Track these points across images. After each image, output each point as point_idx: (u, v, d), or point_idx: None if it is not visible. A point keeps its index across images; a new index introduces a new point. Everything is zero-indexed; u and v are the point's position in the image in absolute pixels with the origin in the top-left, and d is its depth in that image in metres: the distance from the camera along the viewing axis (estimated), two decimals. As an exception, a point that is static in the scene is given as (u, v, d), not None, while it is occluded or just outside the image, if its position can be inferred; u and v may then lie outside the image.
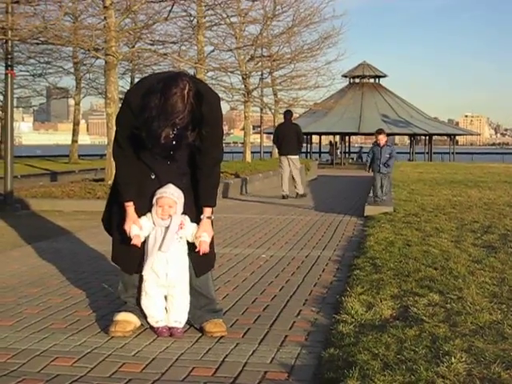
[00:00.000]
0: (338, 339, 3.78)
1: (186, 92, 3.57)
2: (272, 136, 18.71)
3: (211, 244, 4.06)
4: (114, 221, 4.08)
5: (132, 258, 3.99)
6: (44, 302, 4.81)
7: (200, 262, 4.02)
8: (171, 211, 3.88)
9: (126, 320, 4.02)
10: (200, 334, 4.01)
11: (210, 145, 3.89)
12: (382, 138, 11.43)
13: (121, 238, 4.00)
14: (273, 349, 3.75)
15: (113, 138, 4.11)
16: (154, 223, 3.92)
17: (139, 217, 3.94)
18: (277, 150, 15.71)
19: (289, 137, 14.78)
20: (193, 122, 3.62)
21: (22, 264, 6.34)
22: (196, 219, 4.00)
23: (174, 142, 3.63)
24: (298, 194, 14.92)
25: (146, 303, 3.97)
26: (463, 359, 3.35)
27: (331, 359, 3.46)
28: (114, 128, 4.15)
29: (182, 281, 3.95)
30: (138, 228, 3.91)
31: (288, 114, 15.50)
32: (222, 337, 3.96)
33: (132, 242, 3.90)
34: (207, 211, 4.01)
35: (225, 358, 3.60)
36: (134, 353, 3.67)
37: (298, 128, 15.13)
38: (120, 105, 4.06)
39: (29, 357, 3.57)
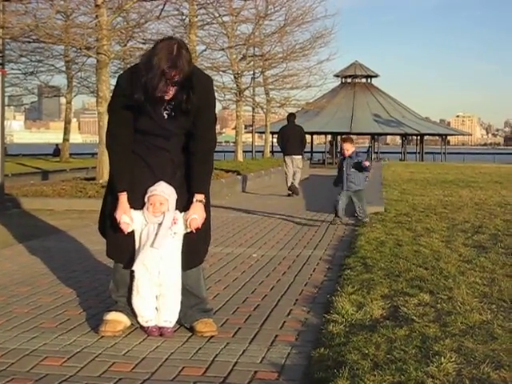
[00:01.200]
0: (329, 339, 3.78)
1: (176, 47, 3.63)
2: (263, 134, 18.74)
3: (203, 235, 4.03)
4: (108, 218, 4.05)
5: (126, 249, 3.95)
6: (34, 301, 4.79)
7: (187, 256, 3.98)
8: (163, 208, 3.87)
9: (116, 319, 4.00)
10: (190, 334, 4.00)
11: (202, 129, 3.91)
12: (348, 148, 9.43)
13: (114, 231, 3.97)
14: (263, 348, 3.74)
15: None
16: (146, 220, 3.91)
17: (131, 208, 3.93)
18: (281, 151, 16.05)
19: (293, 138, 15.39)
20: (185, 82, 3.66)
21: (13, 263, 6.31)
22: (187, 208, 3.96)
23: (166, 98, 3.69)
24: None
25: (137, 303, 3.95)
26: (453, 359, 3.36)
27: (321, 359, 3.46)
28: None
29: (174, 280, 3.94)
30: (127, 217, 3.90)
31: (292, 116, 16.24)
32: (212, 336, 3.95)
33: (120, 226, 3.87)
34: (199, 196, 3.97)
35: (215, 357, 3.59)
36: (124, 352, 3.66)
37: (301, 130, 15.86)
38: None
39: (18, 356, 3.56)
